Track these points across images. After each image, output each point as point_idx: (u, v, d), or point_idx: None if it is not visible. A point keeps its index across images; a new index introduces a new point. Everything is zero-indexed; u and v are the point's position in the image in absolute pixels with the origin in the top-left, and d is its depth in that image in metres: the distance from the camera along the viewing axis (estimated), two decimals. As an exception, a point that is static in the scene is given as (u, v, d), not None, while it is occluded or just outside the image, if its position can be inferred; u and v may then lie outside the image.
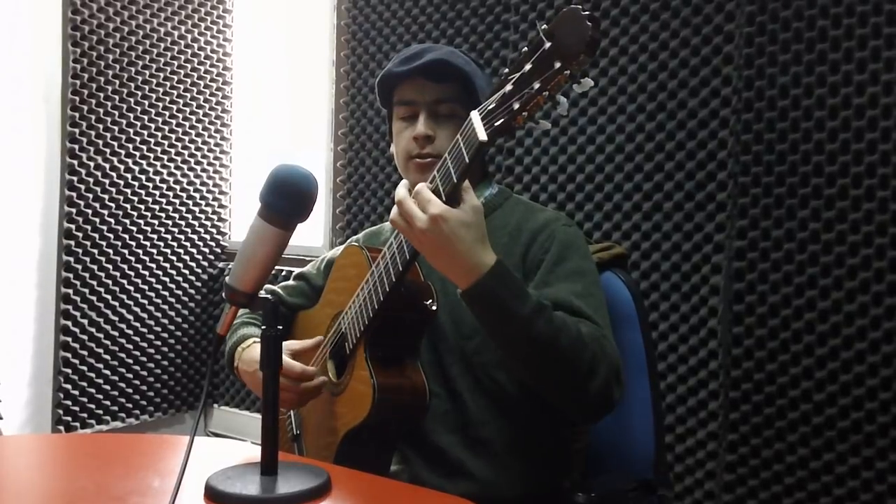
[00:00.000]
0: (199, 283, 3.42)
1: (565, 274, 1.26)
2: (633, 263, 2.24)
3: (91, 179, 3.03)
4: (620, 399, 1.20)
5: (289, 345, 1.36)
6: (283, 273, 2.96)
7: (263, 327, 1.01)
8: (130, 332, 3.18)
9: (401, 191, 1.12)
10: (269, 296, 1.04)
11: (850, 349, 1.93)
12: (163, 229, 3.28)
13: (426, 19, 2.75)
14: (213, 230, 3.47)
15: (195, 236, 3.40)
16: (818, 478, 1.97)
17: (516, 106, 1.00)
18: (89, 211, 3.03)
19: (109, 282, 3.10)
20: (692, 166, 2.17)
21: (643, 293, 2.20)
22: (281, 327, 1.02)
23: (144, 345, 3.23)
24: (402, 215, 1.10)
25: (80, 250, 3.01)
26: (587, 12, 0.96)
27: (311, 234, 3.17)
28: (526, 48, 1.02)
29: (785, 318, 2.01)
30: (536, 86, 0.98)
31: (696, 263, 2.16)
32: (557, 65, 0.97)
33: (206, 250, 3.44)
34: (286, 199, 1.01)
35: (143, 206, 3.20)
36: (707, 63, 2.14)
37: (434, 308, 1.29)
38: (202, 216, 3.42)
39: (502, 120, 1.01)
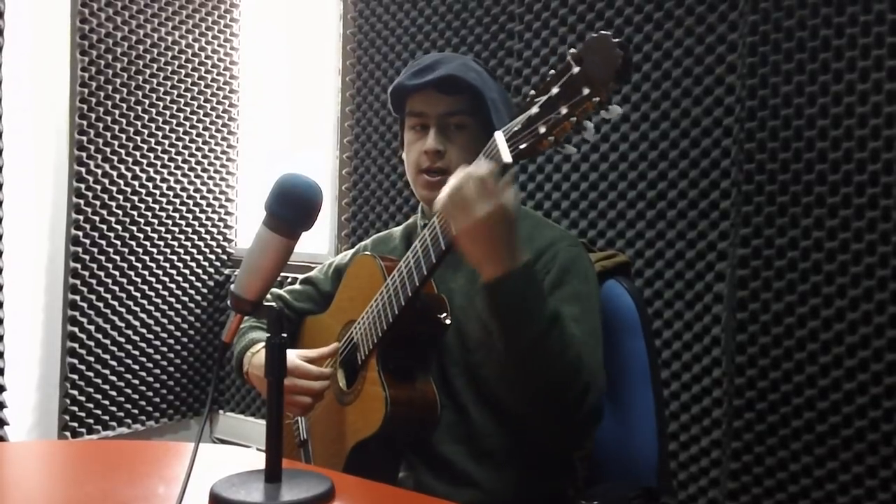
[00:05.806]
0: (204, 290, 3.43)
1: (562, 298, 1.25)
2: (637, 271, 2.25)
3: (98, 186, 3.05)
4: (595, 429, 1.24)
5: (303, 352, 1.37)
6: (289, 280, 2.97)
7: (268, 335, 1.02)
8: (137, 338, 3.19)
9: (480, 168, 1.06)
10: (273, 304, 1.04)
11: (854, 357, 1.93)
12: (169, 236, 3.29)
13: (431, 28, 2.76)
14: (220, 237, 3.48)
15: (201, 243, 3.41)
16: (822, 486, 1.97)
17: (542, 130, 0.98)
18: (97, 218, 3.05)
19: (116, 288, 3.12)
20: (696, 175, 2.17)
21: (646, 301, 2.21)
22: (286, 335, 1.03)
23: (150, 351, 3.24)
24: (476, 185, 1.04)
25: (87, 257, 3.02)
26: (617, 39, 0.94)
27: (317, 242, 3.19)
28: (553, 71, 0.99)
29: (788, 325, 2.01)
30: (564, 111, 0.96)
31: (699, 271, 2.17)
32: (586, 91, 0.95)
33: (213, 257, 3.46)
34: (291, 208, 1.02)
35: (149, 213, 3.22)
36: (710, 72, 2.15)
37: (448, 322, 1.29)
38: (208, 223, 3.43)
39: (527, 143, 0.99)
